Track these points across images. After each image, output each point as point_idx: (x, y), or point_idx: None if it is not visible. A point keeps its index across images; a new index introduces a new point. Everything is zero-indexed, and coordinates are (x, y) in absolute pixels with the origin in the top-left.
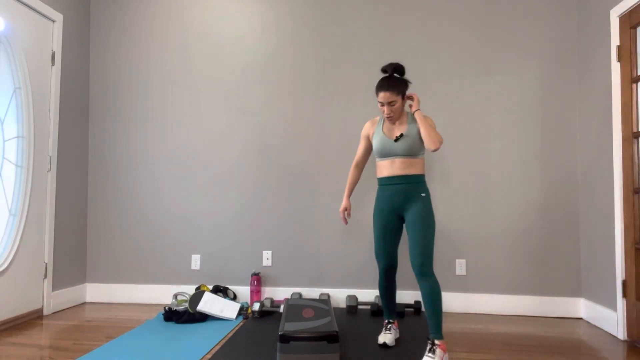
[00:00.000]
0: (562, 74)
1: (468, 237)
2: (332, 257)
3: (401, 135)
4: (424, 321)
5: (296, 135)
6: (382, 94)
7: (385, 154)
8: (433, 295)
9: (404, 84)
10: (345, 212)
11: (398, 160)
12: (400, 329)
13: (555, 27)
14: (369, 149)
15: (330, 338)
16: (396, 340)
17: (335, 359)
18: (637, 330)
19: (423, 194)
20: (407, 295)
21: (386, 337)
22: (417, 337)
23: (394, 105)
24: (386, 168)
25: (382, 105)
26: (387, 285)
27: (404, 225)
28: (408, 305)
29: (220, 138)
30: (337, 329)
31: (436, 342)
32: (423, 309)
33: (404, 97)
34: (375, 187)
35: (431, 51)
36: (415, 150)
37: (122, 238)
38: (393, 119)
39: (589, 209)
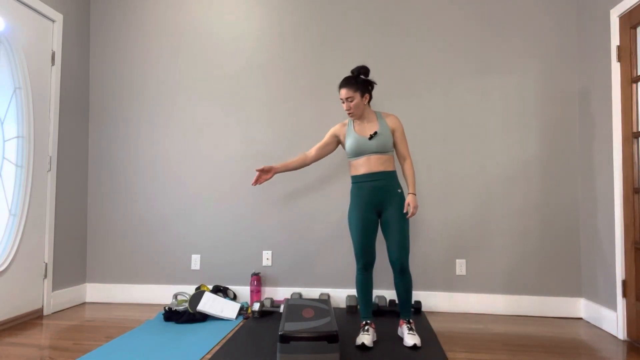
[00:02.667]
0: (562, 74)
1: (468, 237)
2: (332, 257)
3: (375, 133)
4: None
5: (296, 135)
6: (341, 91)
7: (360, 152)
8: (410, 288)
9: (365, 83)
10: (263, 172)
11: (374, 157)
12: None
13: (555, 27)
14: (329, 145)
15: (330, 338)
16: (395, 339)
17: (336, 358)
18: (637, 330)
19: (399, 190)
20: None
21: (365, 337)
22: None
23: (351, 101)
24: (363, 166)
25: (343, 102)
26: (367, 281)
27: (380, 221)
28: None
29: (220, 138)
30: (337, 329)
31: (410, 321)
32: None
33: (363, 95)
34: None
35: (431, 50)
36: (388, 146)
37: (122, 238)
38: (354, 115)
39: (589, 209)
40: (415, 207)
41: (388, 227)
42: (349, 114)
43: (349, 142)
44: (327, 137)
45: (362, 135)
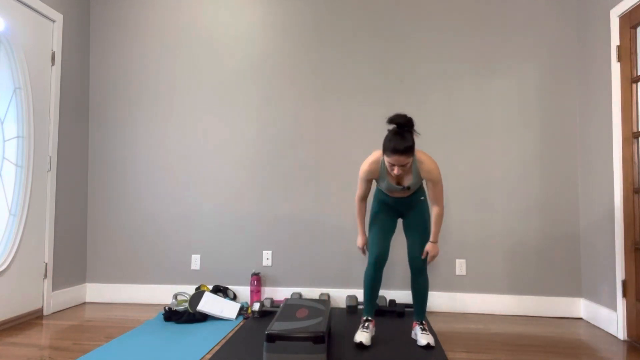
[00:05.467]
0: (562, 74)
1: (468, 237)
2: (332, 257)
3: (408, 187)
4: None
5: (296, 135)
6: (396, 157)
7: (390, 192)
8: (426, 288)
9: (413, 140)
10: (365, 247)
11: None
12: (399, 329)
13: (555, 27)
14: (369, 189)
15: (316, 339)
16: (395, 339)
17: (322, 359)
18: (637, 330)
19: (422, 197)
20: (403, 295)
21: (363, 335)
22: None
23: (405, 166)
24: (391, 193)
25: (392, 165)
26: (376, 279)
27: (402, 221)
28: (408, 305)
29: (220, 137)
30: (324, 330)
31: (423, 322)
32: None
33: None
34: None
35: (431, 50)
36: (418, 187)
37: (122, 238)
38: (400, 175)
39: (589, 209)
40: (434, 257)
41: (410, 228)
42: (396, 176)
43: (381, 185)
44: (364, 183)
45: (396, 183)
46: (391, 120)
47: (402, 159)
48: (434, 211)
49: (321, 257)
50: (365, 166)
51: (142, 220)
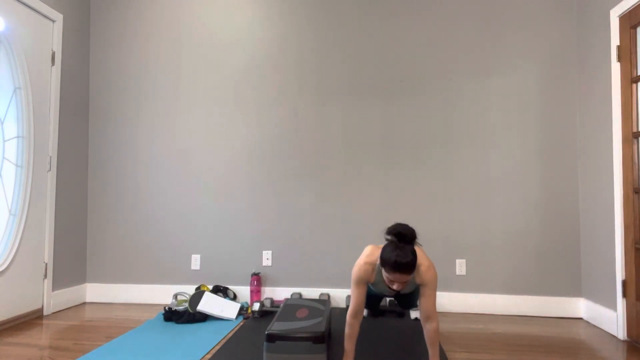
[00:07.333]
0: (562, 74)
1: (468, 237)
2: (332, 257)
3: (404, 296)
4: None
5: (296, 135)
6: (397, 275)
7: (383, 292)
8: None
9: (416, 254)
10: None
11: None
12: (399, 329)
13: (555, 27)
14: (366, 290)
15: (315, 339)
16: (395, 340)
17: (322, 359)
18: (637, 330)
19: (415, 281)
20: None
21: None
22: (421, 339)
23: (407, 282)
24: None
25: (392, 281)
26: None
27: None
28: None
29: (220, 137)
30: (323, 330)
31: None
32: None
33: None
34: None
35: (431, 50)
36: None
37: (122, 238)
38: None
39: (589, 209)
40: None
41: (407, 300)
42: (397, 290)
43: (374, 287)
44: (358, 289)
45: (389, 288)
46: (391, 232)
47: (403, 277)
48: (428, 328)
49: (321, 257)
50: (357, 271)
51: (142, 220)
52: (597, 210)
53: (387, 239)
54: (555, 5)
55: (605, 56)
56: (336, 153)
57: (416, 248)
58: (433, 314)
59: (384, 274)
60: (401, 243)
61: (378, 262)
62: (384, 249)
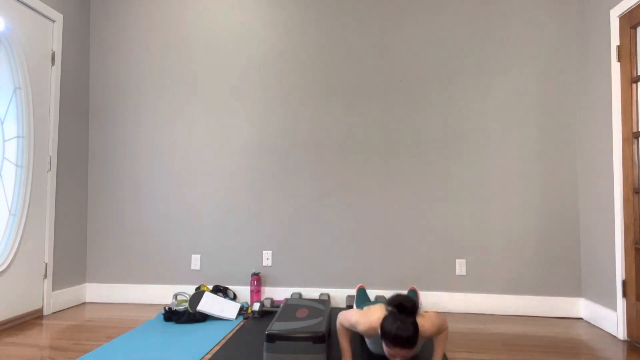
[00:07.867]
0: (562, 74)
1: (468, 237)
2: (332, 257)
3: None
4: None
5: (297, 135)
6: (398, 350)
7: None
8: (446, 335)
9: (417, 327)
10: None
11: None
12: None
13: (555, 27)
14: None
15: (315, 339)
16: None
17: (322, 359)
18: (637, 330)
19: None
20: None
21: None
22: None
23: (408, 355)
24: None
25: (393, 356)
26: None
27: None
28: None
29: (220, 138)
30: (324, 330)
31: None
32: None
33: None
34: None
35: (431, 50)
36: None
37: (122, 238)
38: None
39: (589, 209)
40: None
41: None
42: None
43: (371, 345)
44: (355, 327)
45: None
46: (392, 303)
47: (404, 351)
48: (441, 335)
49: (321, 257)
50: (358, 325)
51: (142, 220)
52: (597, 210)
53: (387, 310)
54: (555, 5)
55: (605, 56)
56: (336, 153)
57: (418, 319)
58: (443, 333)
59: (384, 346)
60: (402, 315)
61: (377, 320)
62: (384, 320)
